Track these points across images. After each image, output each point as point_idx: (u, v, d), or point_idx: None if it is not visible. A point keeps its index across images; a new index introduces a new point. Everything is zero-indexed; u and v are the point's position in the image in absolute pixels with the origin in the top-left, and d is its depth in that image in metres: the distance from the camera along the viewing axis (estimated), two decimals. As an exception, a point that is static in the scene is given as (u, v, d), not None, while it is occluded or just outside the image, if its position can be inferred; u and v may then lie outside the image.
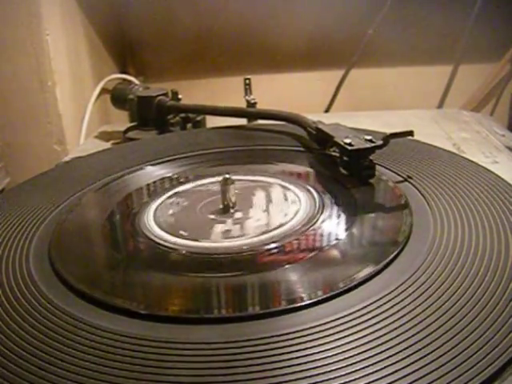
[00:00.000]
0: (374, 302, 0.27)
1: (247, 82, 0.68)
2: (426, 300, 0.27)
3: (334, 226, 0.37)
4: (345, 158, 0.44)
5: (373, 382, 0.22)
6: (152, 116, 0.65)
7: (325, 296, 0.28)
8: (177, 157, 0.52)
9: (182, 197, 0.43)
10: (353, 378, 0.22)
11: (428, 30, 0.87)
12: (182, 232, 0.37)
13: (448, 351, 0.23)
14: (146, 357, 0.25)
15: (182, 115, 0.66)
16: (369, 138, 0.42)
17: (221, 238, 0.36)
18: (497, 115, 0.89)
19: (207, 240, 0.36)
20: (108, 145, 0.67)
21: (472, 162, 0.45)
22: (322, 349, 0.24)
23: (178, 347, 0.25)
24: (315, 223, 0.37)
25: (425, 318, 0.25)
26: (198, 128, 0.66)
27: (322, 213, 0.38)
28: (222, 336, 0.26)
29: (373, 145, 0.42)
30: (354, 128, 0.47)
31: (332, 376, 0.22)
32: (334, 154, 0.47)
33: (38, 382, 0.24)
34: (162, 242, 0.36)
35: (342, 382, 0.22)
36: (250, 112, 0.64)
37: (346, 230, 0.36)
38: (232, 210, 0.40)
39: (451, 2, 0.85)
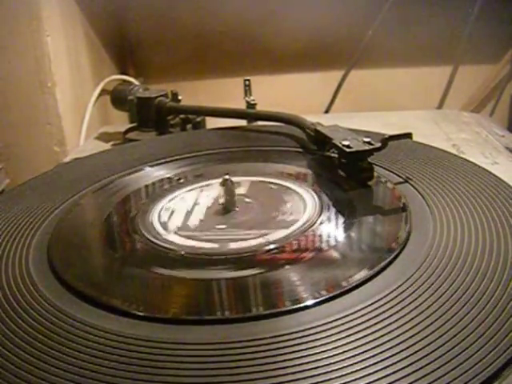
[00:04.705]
0: (375, 302, 0.27)
1: (247, 83, 0.68)
2: (426, 300, 0.27)
3: (333, 227, 0.37)
4: (343, 160, 0.44)
5: (374, 381, 0.22)
6: (152, 117, 0.65)
7: (326, 296, 0.28)
8: (176, 158, 0.52)
9: (181, 198, 0.43)
10: (354, 377, 0.22)
11: (428, 30, 0.87)
12: (181, 233, 0.37)
13: (449, 351, 0.23)
14: (146, 357, 0.25)
15: (182, 116, 0.66)
16: (367, 140, 0.43)
17: (220, 238, 0.36)
18: (496, 116, 0.89)
19: (207, 241, 0.36)
20: (108, 146, 0.67)
21: (472, 162, 0.45)
22: (324, 349, 0.24)
23: (179, 348, 0.25)
24: (315, 224, 0.37)
25: (425, 318, 0.25)
26: (198, 129, 0.66)
27: (321, 214, 0.38)
28: (222, 337, 0.26)
29: (371, 147, 0.42)
30: (352, 129, 0.47)
31: (334, 376, 0.22)
32: (332, 155, 0.47)
33: (37, 382, 0.24)
34: (161, 242, 0.36)
35: (344, 381, 0.22)
36: (250, 113, 0.64)
37: (346, 231, 0.36)
38: (231, 211, 0.40)
39: (451, 2, 0.85)
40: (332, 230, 0.36)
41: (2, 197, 0.50)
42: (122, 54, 0.94)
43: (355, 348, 0.24)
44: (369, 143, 0.42)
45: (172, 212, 0.41)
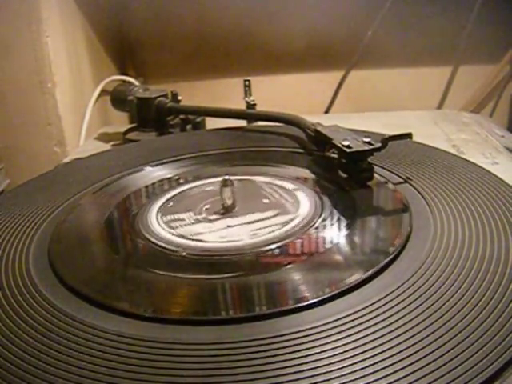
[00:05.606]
0: (375, 302, 0.27)
1: (247, 83, 0.68)
2: (426, 300, 0.27)
3: (333, 227, 0.37)
4: (343, 160, 0.44)
5: (374, 381, 0.22)
6: (152, 117, 0.65)
7: (326, 296, 0.28)
8: (176, 158, 0.52)
9: (181, 198, 0.43)
10: (354, 377, 0.22)
11: (428, 30, 0.87)
12: (181, 233, 0.37)
13: (449, 351, 0.23)
14: (146, 358, 0.25)
15: (182, 116, 0.66)
16: (367, 140, 0.42)
17: (220, 239, 0.36)
18: (496, 116, 0.89)
19: (207, 241, 0.36)
20: (108, 146, 0.67)
21: (472, 163, 0.45)
22: (324, 349, 0.24)
23: (179, 348, 0.25)
24: (315, 225, 0.37)
25: (425, 319, 0.25)
26: (198, 129, 0.66)
27: (321, 214, 0.38)
28: (223, 337, 0.26)
29: (371, 147, 0.42)
30: (352, 129, 0.47)
31: (334, 376, 0.22)
32: (332, 155, 0.47)
33: (36, 382, 0.24)
34: (161, 243, 0.36)
35: (344, 381, 0.22)
36: (250, 113, 0.64)
37: (345, 231, 0.36)
38: (232, 211, 0.40)
39: (451, 2, 0.85)
40: (332, 230, 0.36)
41: (2, 197, 0.50)
42: (122, 54, 0.94)
43: (355, 348, 0.24)
44: (369, 143, 0.42)
45: (172, 212, 0.41)
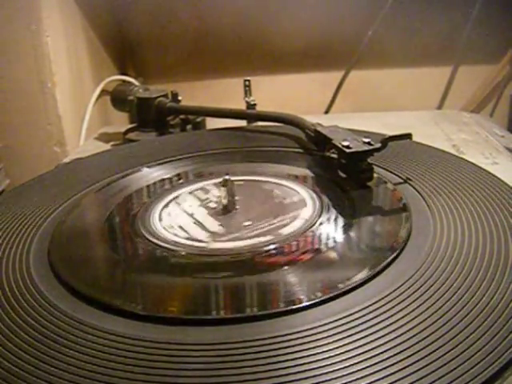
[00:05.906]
0: (376, 302, 0.27)
1: (247, 83, 0.68)
2: (425, 301, 0.27)
3: (332, 228, 0.37)
4: (343, 161, 0.44)
5: (375, 381, 0.22)
6: (152, 117, 0.65)
7: (325, 297, 0.28)
8: (176, 158, 0.52)
9: (181, 198, 0.43)
10: (355, 377, 0.22)
11: (428, 31, 0.87)
12: (181, 233, 0.37)
13: (448, 351, 0.23)
14: (145, 358, 0.25)
15: (182, 117, 0.66)
16: (367, 140, 0.42)
17: (220, 239, 0.36)
18: (496, 116, 0.89)
19: (206, 241, 0.36)
20: (108, 146, 0.67)
21: (471, 163, 0.45)
22: (325, 349, 0.24)
23: (179, 348, 0.25)
24: (314, 225, 0.37)
25: (425, 319, 0.26)
26: (198, 129, 0.67)
27: (320, 215, 0.38)
28: (222, 338, 0.26)
29: (371, 148, 0.42)
30: (352, 130, 0.47)
31: (335, 376, 0.23)
32: (332, 156, 0.47)
33: (36, 382, 0.24)
34: (161, 243, 0.36)
35: (345, 381, 0.22)
36: (250, 114, 0.64)
37: (345, 231, 0.36)
38: (231, 212, 0.40)
39: (451, 2, 0.85)
40: (332, 230, 0.36)
41: (2, 197, 0.50)
42: (122, 54, 0.94)
43: (356, 348, 0.24)
44: (369, 144, 0.42)
45: (172, 212, 0.41)
